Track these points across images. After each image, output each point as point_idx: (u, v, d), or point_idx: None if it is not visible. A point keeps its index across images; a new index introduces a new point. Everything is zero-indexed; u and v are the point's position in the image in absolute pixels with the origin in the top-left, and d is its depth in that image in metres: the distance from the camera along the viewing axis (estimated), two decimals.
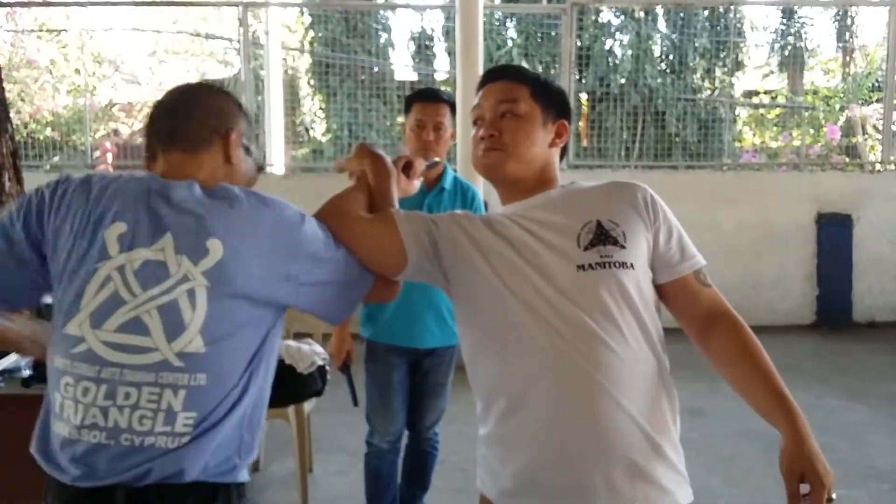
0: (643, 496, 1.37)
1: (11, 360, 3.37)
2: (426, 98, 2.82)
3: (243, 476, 1.36)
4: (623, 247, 1.44)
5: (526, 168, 1.54)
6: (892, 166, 7.24)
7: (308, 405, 3.43)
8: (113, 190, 1.36)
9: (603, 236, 1.45)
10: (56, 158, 7.12)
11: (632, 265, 1.44)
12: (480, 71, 5.69)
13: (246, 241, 1.32)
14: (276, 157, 7.14)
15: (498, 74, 1.61)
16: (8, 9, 8.15)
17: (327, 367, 3.25)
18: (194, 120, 1.44)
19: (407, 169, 1.79)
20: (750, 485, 3.57)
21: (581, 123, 8.05)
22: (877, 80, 8.35)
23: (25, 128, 7.34)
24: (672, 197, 6.34)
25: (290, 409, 3.31)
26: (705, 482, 3.52)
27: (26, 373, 3.20)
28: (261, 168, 1.61)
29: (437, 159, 2.39)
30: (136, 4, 7.19)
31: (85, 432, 1.28)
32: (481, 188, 5.68)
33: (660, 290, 1.52)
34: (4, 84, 3.64)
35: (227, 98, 1.52)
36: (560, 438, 1.39)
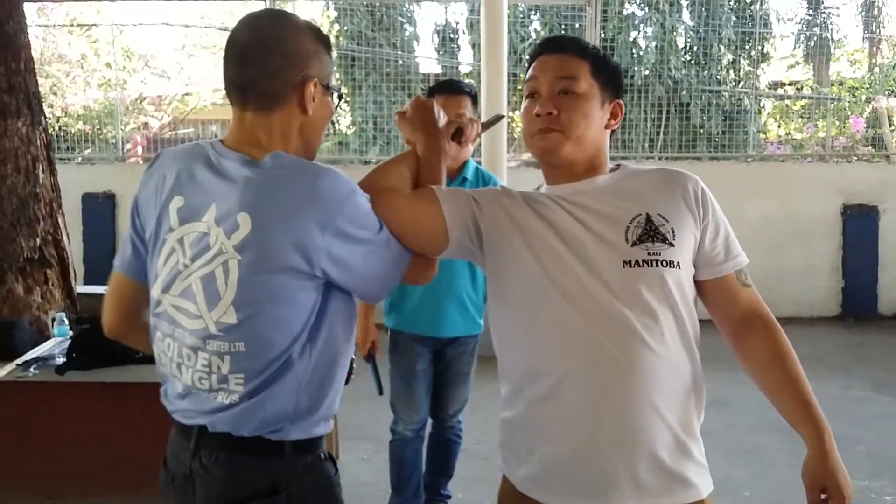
0: (667, 489, 1.39)
1: (45, 347, 3.47)
2: (447, 90, 2.83)
3: (299, 433, 1.39)
4: (671, 244, 1.40)
5: (581, 151, 1.47)
6: None
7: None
8: (175, 163, 1.43)
9: (652, 232, 1.40)
10: (88, 151, 7.24)
11: (678, 264, 1.40)
12: (505, 64, 5.73)
13: (278, 214, 1.31)
14: None
15: (556, 46, 1.50)
16: (39, 4, 8.28)
17: (353, 357, 3.31)
18: (266, 73, 1.38)
19: (458, 136, 1.71)
20: (774, 476, 3.59)
21: None
22: None
23: (58, 121, 7.47)
24: (714, 188, 6.29)
25: None
26: (728, 473, 3.54)
27: (60, 360, 3.29)
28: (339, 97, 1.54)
29: (502, 115, 2.31)
30: None
31: (174, 379, 1.43)
32: (504, 178, 5.73)
33: (699, 285, 1.48)
34: (37, 78, 3.73)
35: (302, 35, 1.42)
36: (590, 431, 1.38)
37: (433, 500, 3.16)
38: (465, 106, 2.80)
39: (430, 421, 3.09)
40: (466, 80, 7.20)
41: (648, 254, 1.39)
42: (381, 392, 3.07)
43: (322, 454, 1.45)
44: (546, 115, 1.44)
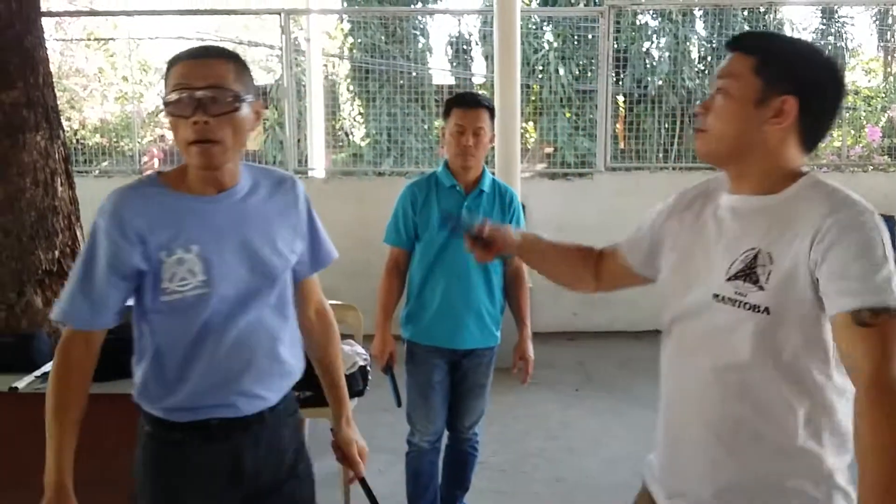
0: None
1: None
2: (466, 103, 2.84)
3: None
4: (762, 288, 1.32)
5: (727, 154, 1.42)
6: None
7: (349, 405, 3.49)
8: None
9: (748, 271, 1.34)
10: (105, 164, 7.30)
11: (766, 309, 1.32)
12: (518, 75, 5.75)
13: None
14: (318, 161, 7.24)
15: (732, 44, 1.45)
16: (57, 18, 8.38)
17: (368, 368, 3.32)
18: None
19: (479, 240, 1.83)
20: None
21: (618, 126, 8.04)
22: None
23: (75, 135, 7.54)
24: None
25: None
26: None
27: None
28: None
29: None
30: (181, 13, 7.34)
31: None
32: (519, 190, 5.73)
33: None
34: (55, 92, 3.76)
35: None
36: (669, 450, 1.51)
37: None
38: (484, 119, 2.81)
39: (446, 433, 3.09)
40: (480, 91, 7.24)
41: (735, 293, 1.36)
42: (399, 404, 3.08)
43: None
44: (695, 115, 1.47)
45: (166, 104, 1.56)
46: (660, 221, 1.62)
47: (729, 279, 1.36)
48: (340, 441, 1.98)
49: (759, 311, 1.32)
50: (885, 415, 1.16)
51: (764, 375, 1.34)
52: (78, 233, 4.04)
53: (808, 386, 1.34)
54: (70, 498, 1.63)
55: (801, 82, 1.37)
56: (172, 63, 1.59)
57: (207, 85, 1.52)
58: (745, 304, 1.33)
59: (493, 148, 5.38)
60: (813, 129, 1.41)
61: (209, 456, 1.67)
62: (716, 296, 1.36)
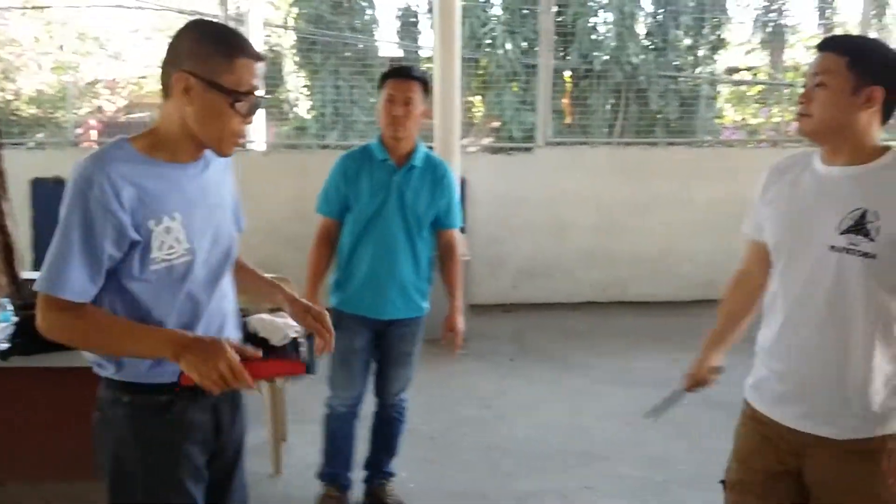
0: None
1: None
2: (398, 75, 2.92)
3: None
4: (872, 240, 1.70)
5: (827, 133, 1.78)
6: None
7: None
8: None
9: (858, 226, 1.71)
10: (41, 135, 7.15)
11: (875, 256, 1.69)
12: (458, 47, 5.75)
13: None
14: (258, 134, 7.18)
15: (824, 46, 1.80)
16: None
17: (300, 340, 3.35)
18: (162, 66, 1.62)
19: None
20: (706, 449, 3.69)
21: (564, 100, 8.11)
22: None
23: (8, 106, 7.36)
24: (652, 173, 6.44)
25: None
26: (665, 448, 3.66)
27: (3, 345, 3.28)
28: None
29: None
30: None
31: None
32: (459, 165, 5.78)
33: None
34: None
35: (187, 33, 1.62)
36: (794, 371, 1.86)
37: (377, 477, 3.24)
38: (415, 90, 2.87)
39: (374, 400, 3.16)
40: (427, 65, 7.23)
41: (850, 243, 1.72)
42: (312, 371, 3.12)
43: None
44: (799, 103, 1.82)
45: (237, 96, 1.60)
46: (764, 194, 1.96)
47: (842, 233, 1.72)
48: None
49: (869, 257, 1.69)
50: None
51: (868, 305, 1.74)
52: (4, 206, 3.97)
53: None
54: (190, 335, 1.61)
55: (885, 75, 1.75)
56: (235, 55, 1.60)
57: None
58: (859, 251, 1.71)
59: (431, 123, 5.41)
60: (891, 110, 1.79)
61: (198, 412, 1.72)
62: (832, 247, 1.73)
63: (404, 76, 2.90)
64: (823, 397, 1.79)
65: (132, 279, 1.61)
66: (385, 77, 2.93)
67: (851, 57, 1.74)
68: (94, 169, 1.55)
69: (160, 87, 1.65)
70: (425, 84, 2.92)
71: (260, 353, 1.59)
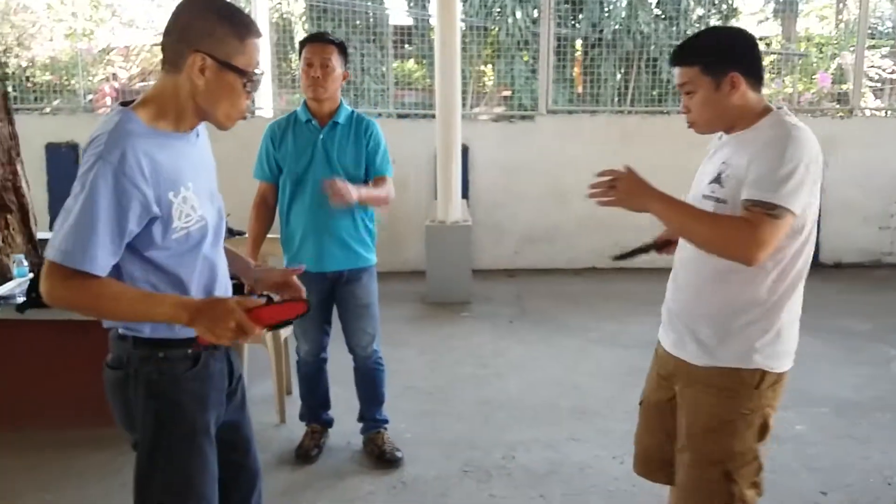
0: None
1: (7, 287, 3.62)
2: (315, 39, 3.11)
3: None
4: (723, 187, 1.92)
5: (717, 126, 2.02)
6: (860, 113, 7.35)
7: (285, 331, 3.69)
8: None
9: (717, 177, 1.94)
10: (57, 102, 7.28)
11: (725, 200, 1.90)
12: (458, 15, 5.80)
13: None
14: (266, 101, 7.28)
15: (674, 62, 2.00)
16: None
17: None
18: (167, 43, 1.66)
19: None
20: None
21: (575, 69, 8.12)
22: (869, 28, 8.34)
23: (24, 72, 7.49)
24: (654, 141, 6.54)
25: (268, 336, 3.57)
26: None
27: (20, 299, 3.44)
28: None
29: None
30: None
31: None
32: (459, 133, 5.85)
33: None
34: (0, 28, 3.80)
35: (203, 14, 1.64)
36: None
37: (371, 426, 3.39)
38: (331, 53, 3.04)
39: (351, 356, 3.35)
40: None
41: (711, 192, 1.95)
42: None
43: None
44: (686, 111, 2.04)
45: (249, 76, 1.68)
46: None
47: (709, 183, 1.97)
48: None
49: (721, 202, 1.91)
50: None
51: None
52: (19, 168, 4.12)
53: None
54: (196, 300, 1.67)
55: (732, 59, 1.93)
56: (246, 36, 1.67)
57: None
58: (714, 197, 1.94)
59: (430, 91, 5.44)
60: (756, 76, 1.95)
61: (217, 361, 1.84)
62: (704, 196, 1.97)
63: (320, 40, 3.08)
64: (678, 326, 2.07)
65: (154, 248, 1.65)
66: (303, 43, 3.11)
67: (702, 64, 1.93)
68: (122, 144, 1.56)
69: (164, 57, 1.68)
70: (343, 48, 3.08)
71: (262, 301, 1.67)
